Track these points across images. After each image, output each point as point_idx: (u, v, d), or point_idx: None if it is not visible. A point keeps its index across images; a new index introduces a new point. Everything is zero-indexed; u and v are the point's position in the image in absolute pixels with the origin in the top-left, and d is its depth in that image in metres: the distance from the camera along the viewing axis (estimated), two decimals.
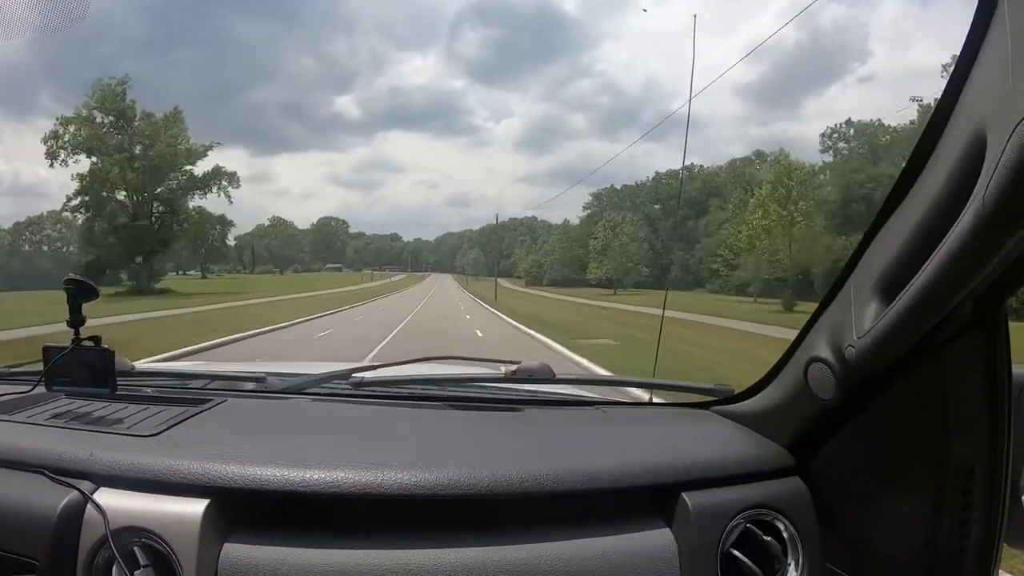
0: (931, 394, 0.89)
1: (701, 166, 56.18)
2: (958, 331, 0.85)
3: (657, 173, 59.44)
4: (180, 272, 59.03)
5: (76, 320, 1.23)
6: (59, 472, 0.92)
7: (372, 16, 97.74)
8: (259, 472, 0.91)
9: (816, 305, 1.01)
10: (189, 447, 0.98)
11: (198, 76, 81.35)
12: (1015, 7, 0.62)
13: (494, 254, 79.15)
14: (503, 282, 73.92)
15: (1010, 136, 0.59)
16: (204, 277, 61.76)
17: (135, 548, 0.86)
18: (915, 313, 0.78)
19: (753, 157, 50.35)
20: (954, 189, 0.69)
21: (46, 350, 1.22)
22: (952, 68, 0.71)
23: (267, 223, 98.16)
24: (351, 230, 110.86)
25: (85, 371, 1.21)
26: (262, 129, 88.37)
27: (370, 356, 10.62)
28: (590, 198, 63.73)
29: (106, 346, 1.21)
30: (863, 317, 0.85)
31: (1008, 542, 0.91)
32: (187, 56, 77.31)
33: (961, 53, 0.70)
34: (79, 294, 1.24)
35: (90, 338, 1.23)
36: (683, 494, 0.96)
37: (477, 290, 51.21)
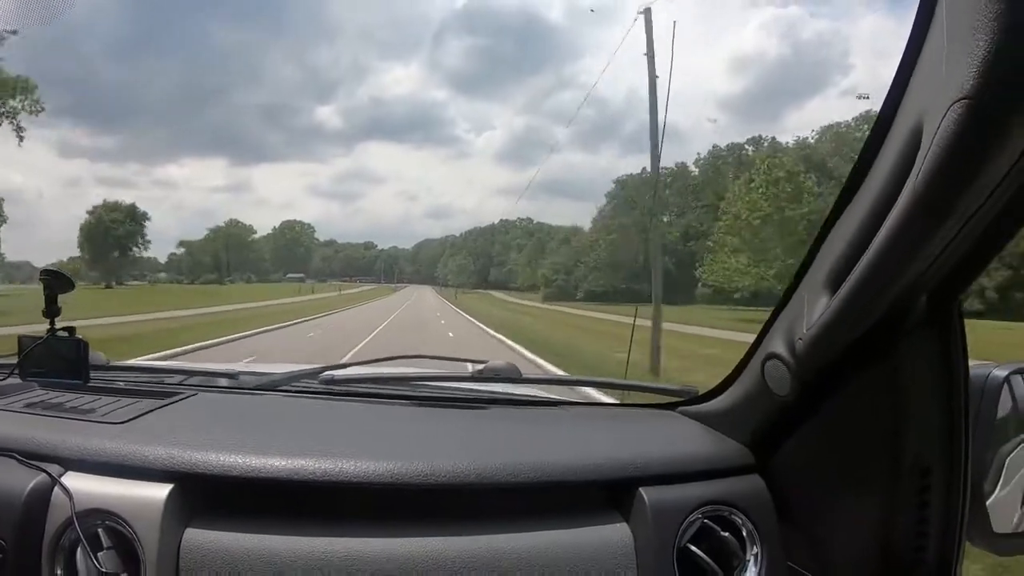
0: (885, 392, 0.91)
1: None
2: (912, 328, 0.87)
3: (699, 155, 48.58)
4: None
5: (51, 311, 1.25)
6: (29, 456, 0.94)
7: (355, 24, 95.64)
8: (222, 459, 0.93)
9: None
10: (156, 434, 1.00)
11: (177, 81, 77.90)
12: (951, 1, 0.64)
13: (484, 260, 66.32)
14: (499, 295, 61.32)
15: (942, 119, 0.61)
16: (108, 287, 48.47)
17: (99, 530, 0.87)
18: (857, 302, 0.81)
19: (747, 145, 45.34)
20: (894, 180, 0.71)
21: (21, 340, 1.25)
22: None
23: (223, 226, 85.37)
24: (320, 237, 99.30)
25: (59, 361, 1.24)
26: (242, 138, 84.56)
27: None
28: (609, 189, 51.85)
29: (80, 337, 1.23)
30: (813, 311, 0.88)
31: (971, 541, 0.92)
32: (166, 61, 74.60)
33: (904, 52, 0.72)
34: (55, 286, 1.26)
35: (64, 328, 1.24)
36: (640, 489, 0.98)
37: (473, 307, 36.55)
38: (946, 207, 0.67)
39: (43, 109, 32.42)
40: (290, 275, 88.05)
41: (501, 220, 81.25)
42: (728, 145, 47.83)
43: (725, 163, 46.66)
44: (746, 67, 66.59)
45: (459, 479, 0.94)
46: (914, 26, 0.69)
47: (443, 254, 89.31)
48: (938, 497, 0.90)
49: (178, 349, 12.63)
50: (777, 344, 0.96)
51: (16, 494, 0.88)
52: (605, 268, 43.78)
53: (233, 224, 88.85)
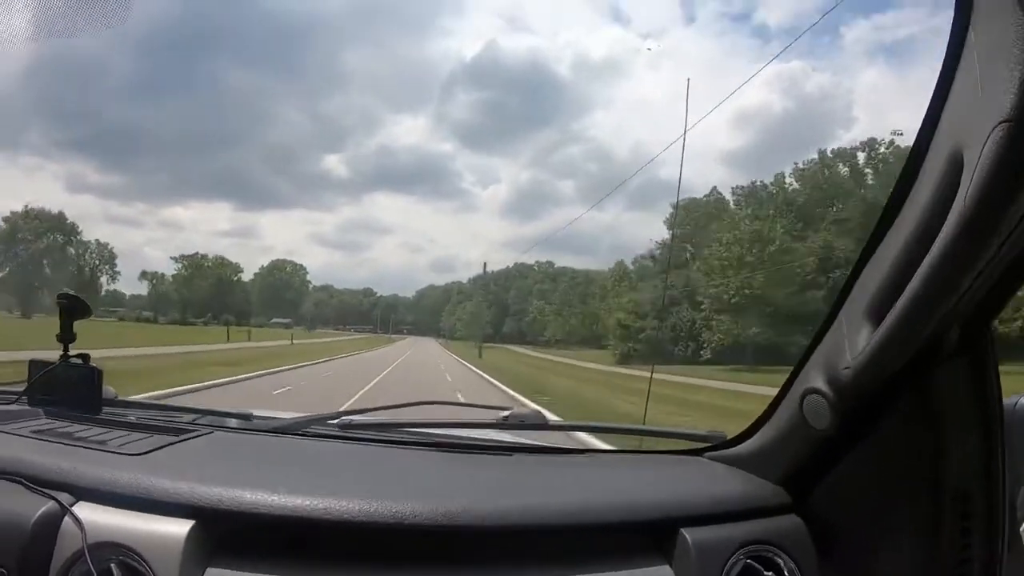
0: (923, 421, 0.91)
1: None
2: (946, 358, 0.88)
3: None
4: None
5: (66, 336, 1.21)
6: (37, 482, 0.90)
7: (366, 74, 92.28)
8: (247, 496, 0.90)
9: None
10: (176, 469, 0.98)
11: (187, 123, 75.18)
12: (982, 25, 0.66)
13: (497, 308, 56.48)
14: (523, 350, 50.99)
15: (985, 142, 0.63)
16: (25, 316, 38.50)
17: (112, 565, 0.83)
18: (904, 330, 0.81)
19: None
20: (937, 206, 0.72)
21: (32, 364, 1.21)
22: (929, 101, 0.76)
23: (202, 259, 76.61)
24: (318, 282, 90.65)
25: (71, 389, 1.19)
26: (248, 183, 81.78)
27: None
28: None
29: (95, 365, 1.19)
30: (856, 341, 0.88)
31: (1013, 568, 0.92)
32: (177, 102, 72.78)
33: (937, 83, 0.75)
34: (72, 311, 1.23)
35: (78, 355, 1.20)
36: (683, 530, 0.97)
37: (517, 375, 22.34)
38: (992, 228, 0.68)
39: None
40: (276, 319, 78.40)
41: (516, 264, 72.37)
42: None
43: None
44: (749, 122, 63.31)
45: (487, 521, 0.92)
46: (946, 55, 0.72)
47: (448, 301, 79.48)
48: (979, 527, 0.89)
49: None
50: (815, 378, 0.96)
51: (22, 521, 0.83)
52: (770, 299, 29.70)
53: (218, 261, 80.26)
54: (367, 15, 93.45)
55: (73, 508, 0.86)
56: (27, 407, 1.23)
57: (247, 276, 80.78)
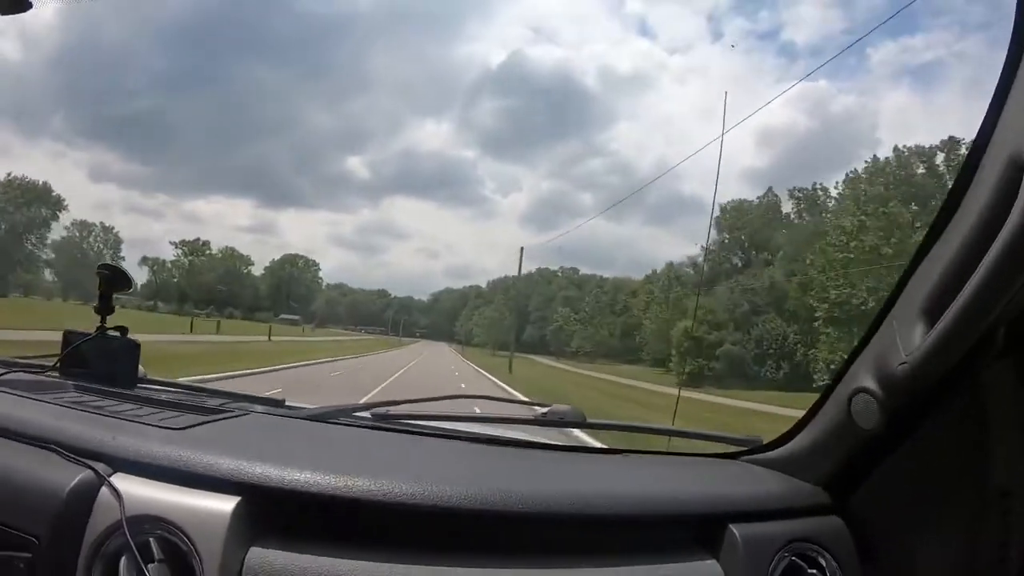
0: (969, 420, 0.93)
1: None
2: (994, 357, 0.90)
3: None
4: None
5: (105, 307, 1.19)
6: (72, 451, 0.88)
7: (391, 77, 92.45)
8: (294, 475, 0.88)
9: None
10: (218, 445, 0.95)
11: (212, 118, 75.53)
12: None
13: (516, 315, 52.08)
14: (550, 361, 46.47)
15: None
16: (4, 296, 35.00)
17: (151, 539, 0.80)
18: (959, 330, 0.82)
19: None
20: (996, 208, 0.75)
21: (67, 335, 1.20)
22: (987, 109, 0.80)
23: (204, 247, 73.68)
24: (327, 281, 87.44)
25: (107, 361, 1.18)
26: (270, 181, 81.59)
27: None
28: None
29: (133, 339, 1.17)
30: (911, 339, 0.89)
31: None
32: (203, 96, 73.39)
33: (995, 92, 0.79)
34: (112, 281, 1.20)
35: (116, 328, 1.18)
36: (731, 525, 0.97)
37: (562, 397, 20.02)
38: None
39: None
40: (284, 315, 74.84)
41: (538, 269, 68.20)
42: None
43: None
44: (773, 140, 63.59)
45: (534, 507, 0.90)
46: (1003, 72, 0.78)
47: (465, 306, 75.27)
48: (1019, 525, 0.91)
49: None
50: (864, 378, 0.96)
51: (57, 489, 0.81)
52: None
53: (228, 252, 77.14)
54: (394, 18, 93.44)
55: (111, 479, 0.84)
56: (59, 379, 1.20)
57: (258, 270, 78.05)
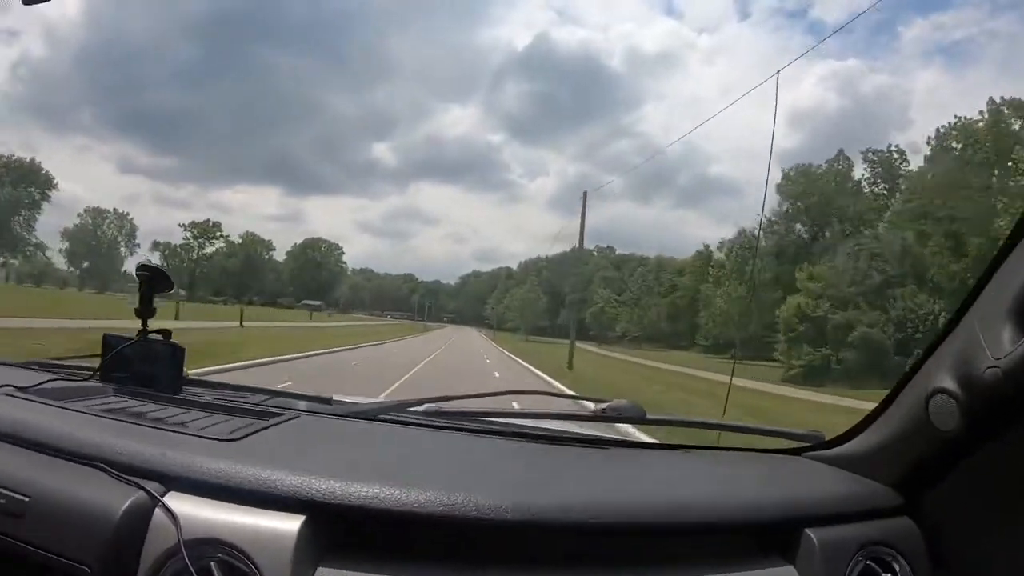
0: None
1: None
2: None
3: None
4: None
5: (146, 310, 1.16)
6: (121, 469, 0.84)
7: (415, 62, 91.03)
8: (362, 488, 0.84)
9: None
10: (275, 456, 0.92)
11: (237, 108, 74.82)
12: None
13: (550, 297, 47.44)
14: (594, 349, 41.93)
15: None
16: None
17: (212, 563, 0.77)
18: None
19: None
20: None
21: (107, 339, 1.17)
22: None
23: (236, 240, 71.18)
24: (353, 266, 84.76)
25: (149, 366, 1.14)
26: (297, 169, 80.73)
27: None
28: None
29: (176, 342, 1.14)
30: (999, 340, 0.86)
31: None
32: (227, 86, 72.43)
33: None
34: (152, 282, 1.17)
35: (158, 331, 1.15)
36: (807, 530, 0.95)
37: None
38: None
39: None
40: (306, 301, 71.70)
41: (573, 248, 63.25)
42: None
43: None
44: (803, 121, 60.08)
45: (599, 517, 0.87)
46: None
47: (495, 289, 70.83)
48: None
49: None
50: (943, 378, 0.93)
51: (107, 512, 0.77)
52: None
53: (248, 237, 74.34)
54: (418, 2, 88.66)
55: (164, 499, 0.80)
56: (101, 384, 1.16)
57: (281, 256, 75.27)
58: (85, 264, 59.14)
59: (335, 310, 72.67)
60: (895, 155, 36.46)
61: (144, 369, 1.14)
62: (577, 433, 1.33)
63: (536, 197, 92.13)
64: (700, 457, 1.29)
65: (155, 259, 61.89)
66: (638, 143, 79.60)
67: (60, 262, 57.41)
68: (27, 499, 0.81)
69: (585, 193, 27.22)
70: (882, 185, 35.87)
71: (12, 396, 1.09)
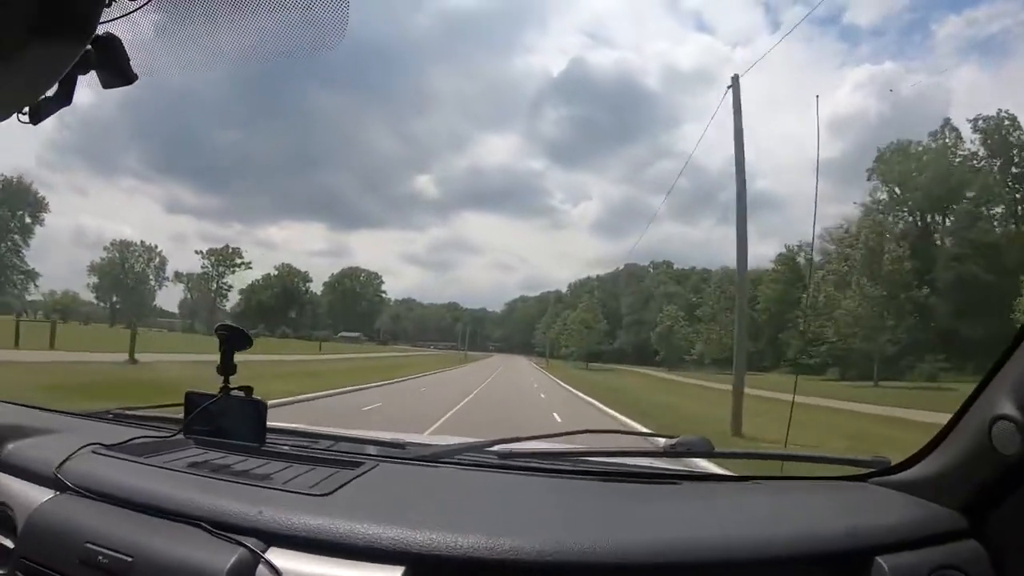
0: None
1: None
2: None
3: None
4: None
5: (227, 368, 1.19)
6: (220, 527, 0.87)
7: (453, 94, 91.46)
8: (457, 539, 0.87)
9: None
10: (370, 510, 0.94)
11: (279, 146, 76.02)
12: None
13: (608, 318, 41.61)
14: (658, 375, 35.69)
15: None
16: None
17: None
18: None
19: None
20: None
21: (189, 397, 1.20)
22: None
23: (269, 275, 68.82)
24: (394, 297, 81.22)
25: (231, 421, 1.17)
26: (341, 204, 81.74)
27: None
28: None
29: (258, 398, 1.18)
30: None
31: None
32: (270, 125, 73.64)
33: None
34: (232, 341, 1.20)
35: (240, 388, 1.19)
36: (878, 558, 0.95)
37: None
38: None
39: None
40: (344, 333, 67.93)
41: (627, 265, 57.36)
42: None
43: None
44: (842, 130, 57.35)
45: (686, 556, 0.90)
46: None
47: (545, 312, 65.16)
48: None
49: None
50: (1006, 404, 0.94)
51: (213, 571, 0.80)
52: None
53: (285, 269, 71.68)
54: (452, 35, 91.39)
55: (266, 555, 0.83)
56: (183, 438, 1.21)
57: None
58: (114, 298, 57.11)
59: (375, 341, 68.61)
60: (1007, 122, 29.97)
61: (227, 424, 1.16)
62: (650, 468, 1.34)
63: (580, 222, 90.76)
64: (769, 488, 1.28)
65: (179, 291, 59.26)
66: (680, 162, 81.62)
67: (89, 296, 55.87)
68: (130, 559, 0.83)
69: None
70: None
71: (99, 454, 1.12)
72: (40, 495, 1.02)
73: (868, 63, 62.72)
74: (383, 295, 78.24)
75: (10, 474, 1.12)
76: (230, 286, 57.96)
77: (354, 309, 73.81)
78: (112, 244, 57.33)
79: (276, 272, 70.98)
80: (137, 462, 1.09)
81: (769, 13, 75.51)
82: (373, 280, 77.72)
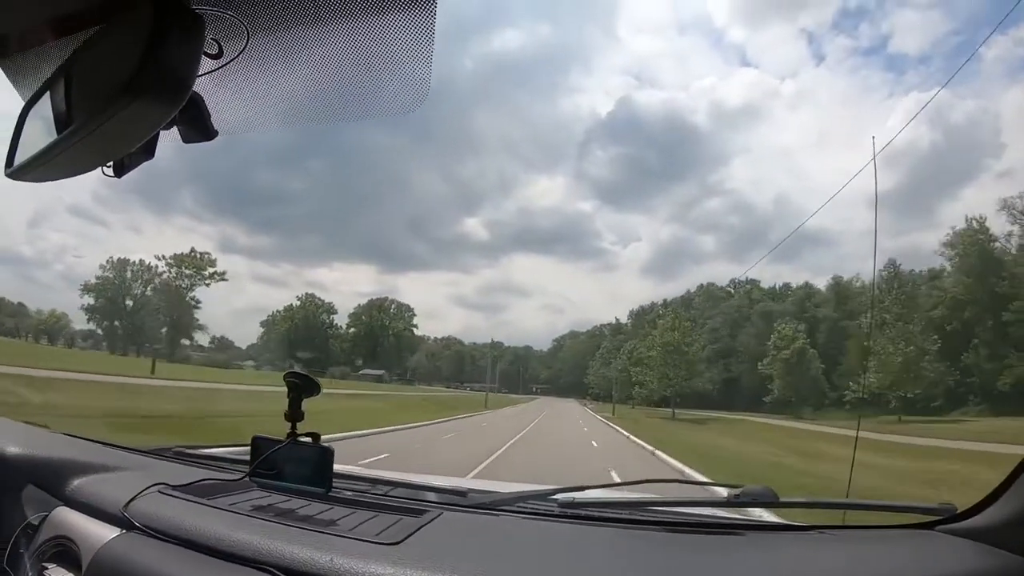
0: None
1: None
2: None
3: None
4: None
5: (295, 414, 1.21)
6: (289, 573, 0.90)
7: (501, 136, 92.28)
8: None
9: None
10: (439, 560, 0.95)
11: (329, 188, 77.28)
12: None
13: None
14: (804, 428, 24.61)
15: None
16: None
17: None
18: None
19: None
20: None
21: (256, 441, 1.20)
22: None
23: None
24: (433, 335, 74.16)
25: (298, 467, 1.18)
26: (390, 246, 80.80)
27: None
28: None
29: (326, 444, 1.19)
30: None
31: None
32: (319, 166, 73.48)
33: None
34: (301, 389, 1.22)
35: (307, 434, 1.20)
36: None
37: None
38: None
39: None
40: (366, 370, 58.80)
41: (701, 286, 46.61)
42: None
43: None
44: (896, 160, 53.64)
45: None
46: None
47: (599, 348, 54.31)
48: None
49: None
50: None
51: None
52: None
53: (307, 299, 64.05)
54: (498, 77, 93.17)
55: None
56: (249, 481, 1.21)
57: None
58: (114, 323, 49.99)
59: (401, 380, 59.29)
60: None
61: (293, 469, 1.16)
62: (713, 517, 1.33)
63: (630, 264, 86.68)
64: (835, 537, 1.26)
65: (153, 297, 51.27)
66: (730, 200, 76.21)
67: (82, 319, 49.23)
68: None
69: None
70: None
71: (166, 494, 1.15)
72: (106, 532, 1.03)
73: (916, 91, 60.12)
74: (414, 329, 69.17)
75: (77, 509, 1.14)
76: (198, 300, 48.95)
77: (381, 344, 64.90)
78: (109, 261, 50.76)
79: (299, 302, 63.32)
80: (203, 504, 1.10)
81: (812, 44, 75.90)
82: (404, 313, 68.90)
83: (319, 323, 64.24)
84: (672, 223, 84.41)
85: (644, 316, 48.17)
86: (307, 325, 62.27)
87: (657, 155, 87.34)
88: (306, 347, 57.92)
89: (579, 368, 60.19)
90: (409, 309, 69.09)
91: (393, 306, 69.12)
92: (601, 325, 62.82)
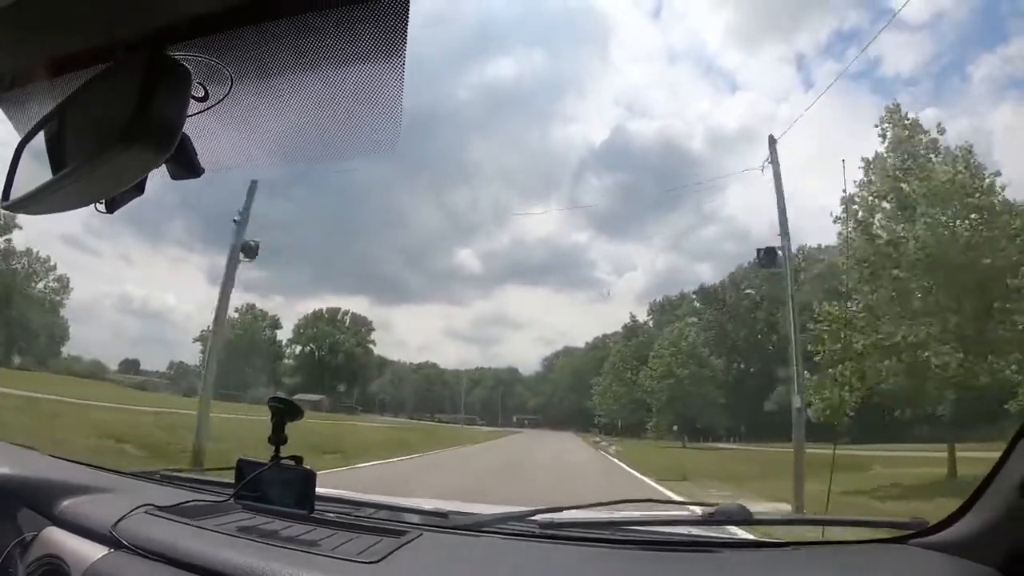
0: None
1: None
2: None
3: None
4: None
5: (278, 438, 1.24)
6: None
7: (495, 166, 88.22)
8: None
9: None
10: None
11: (320, 219, 74.16)
12: None
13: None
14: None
15: None
16: None
17: None
18: None
19: None
20: None
21: (241, 464, 1.25)
22: None
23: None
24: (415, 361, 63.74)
25: (281, 489, 1.21)
26: (382, 278, 75.82)
27: None
28: None
29: (308, 467, 1.22)
30: None
31: None
32: (310, 198, 69.91)
33: None
34: (284, 414, 1.25)
35: (291, 457, 1.23)
36: None
37: None
38: None
39: None
40: (302, 395, 46.24)
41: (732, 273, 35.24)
42: None
43: None
44: None
45: None
46: None
47: (605, 360, 42.30)
48: None
49: None
50: None
51: None
52: None
53: (248, 312, 52.13)
54: (491, 107, 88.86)
55: None
56: (234, 503, 1.25)
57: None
58: None
59: (343, 409, 46.88)
60: None
61: (276, 492, 1.19)
62: (689, 536, 1.35)
63: (626, 294, 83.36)
64: (811, 554, 1.27)
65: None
66: (725, 228, 73.23)
67: None
68: None
69: None
70: None
71: (153, 515, 1.17)
72: (95, 551, 1.06)
73: (911, 111, 49.18)
74: (370, 346, 56.96)
75: (66, 529, 1.17)
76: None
77: (327, 364, 52.56)
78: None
79: (237, 315, 51.08)
80: (190, 524, 1.12)
81: (801, 71, 74.95)
82: (360, 327, 56.70)
83: (261, 340, 52.31)
84: (668, 251, 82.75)
85: (673, 310, 36.72)
86: (251, 343, 50.27)
87: (653, 182, 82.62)
88: (244, 366, 46.05)
89: (577, 391, 48.65)
90: (366, 323, 57.13)
91: (347, 319, 57.26)
92: (604, 335, 50.87)
